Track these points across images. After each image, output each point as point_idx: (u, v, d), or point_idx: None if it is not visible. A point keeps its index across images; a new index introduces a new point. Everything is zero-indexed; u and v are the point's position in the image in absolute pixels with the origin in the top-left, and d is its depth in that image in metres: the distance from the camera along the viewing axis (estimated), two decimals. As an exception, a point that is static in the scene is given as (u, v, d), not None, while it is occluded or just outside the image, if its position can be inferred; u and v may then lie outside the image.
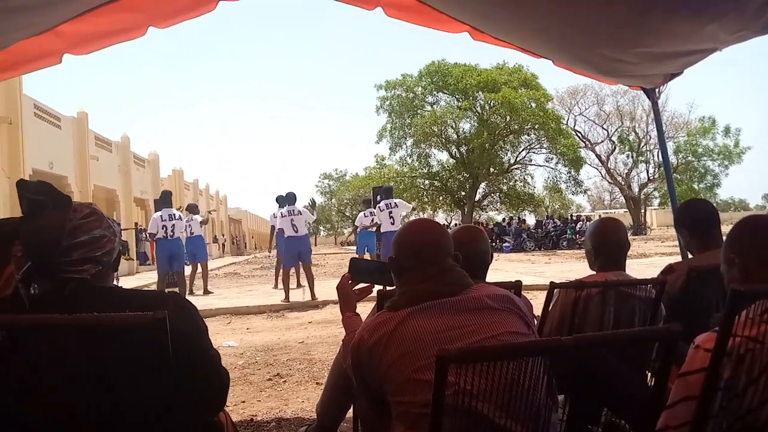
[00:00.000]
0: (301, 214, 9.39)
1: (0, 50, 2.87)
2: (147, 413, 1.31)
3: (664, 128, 4.79)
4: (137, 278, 15.98)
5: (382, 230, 10.30)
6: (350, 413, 2.57)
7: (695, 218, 2.53)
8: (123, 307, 1.30)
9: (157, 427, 1.32)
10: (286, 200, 9.59)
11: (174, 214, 9.38)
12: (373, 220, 11.09)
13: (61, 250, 1.35)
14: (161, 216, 9.29)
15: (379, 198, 10.74)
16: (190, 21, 3.20)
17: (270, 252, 11.43)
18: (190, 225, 10.44)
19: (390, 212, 10.17)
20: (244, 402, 3.88)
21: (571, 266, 14.47)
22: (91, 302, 1.32)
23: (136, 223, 20.78)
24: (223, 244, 38.21)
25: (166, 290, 2.86)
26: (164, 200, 9.61)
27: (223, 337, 6.35)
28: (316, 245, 58.20)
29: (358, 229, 12.09)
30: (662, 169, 39.42)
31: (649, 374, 2.20)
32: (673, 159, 38.26)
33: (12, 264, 1.33)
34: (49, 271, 1.35)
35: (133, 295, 1.44)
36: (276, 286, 10.87)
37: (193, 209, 10.84)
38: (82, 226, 1.40)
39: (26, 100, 13.81)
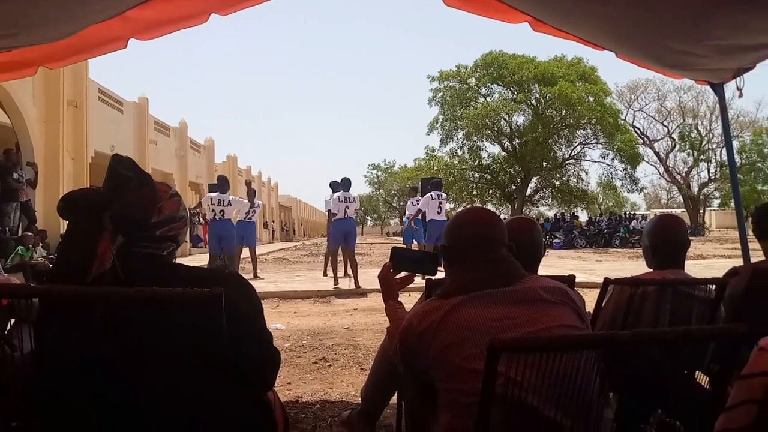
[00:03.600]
0: (355, 201, 9.67)
1: (73, 35, 2.99)
2: (201, 386, 1.35)
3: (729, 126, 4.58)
4: (189, 260, 16.44)
5: (428, 218, 10.37)
6: (394, 399, 2.59)
7: None
8: (190, 282, 1.35)
9: (210, 399, 1.35)
10: (342, 186, 9.75)
11: (223, 200, 9.78)
12: (418, 210, 11.06)
13: (150, 227, 1.42)
14: (211, 198, 9.85)
15: (430, 188, 10.77)
16: (248, 9, 3.26)
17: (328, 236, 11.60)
18: (254, 210, 10.83)
19: (440, 203, 10.30)
20: (290, 383, 3.95)
21: (624, 265, 14.09)
22: (159, 275, 1.41)
23: (189, 207, 21.37)
24: (273, 230, 38.92)
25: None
26: (219, 184, 10.09)
27: (271, 319, 6.48)
28: (362, 234, 58.61)
29: (405, 220, 12.09)
30: (725, 168, 37.98)
31: (702, 375, 2.13)
32: (736, 158, 36.52)
33: (105, 239, 1.38)
34: (133, 246, 1.42)
35: (197, 272, 1.50)
36: (325, 274, 11.02)
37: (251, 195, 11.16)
38: (169, 205, 1.47)
39: (91, 85, 14.37)
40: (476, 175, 38.19)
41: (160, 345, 1.33)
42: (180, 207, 1.51)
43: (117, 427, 1.35)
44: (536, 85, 34.58)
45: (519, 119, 36.50)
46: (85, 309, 1.35)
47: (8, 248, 9.71)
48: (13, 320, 1.95)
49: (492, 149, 38.38)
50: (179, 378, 1.34)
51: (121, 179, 1.44)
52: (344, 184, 9.71)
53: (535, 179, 38.17)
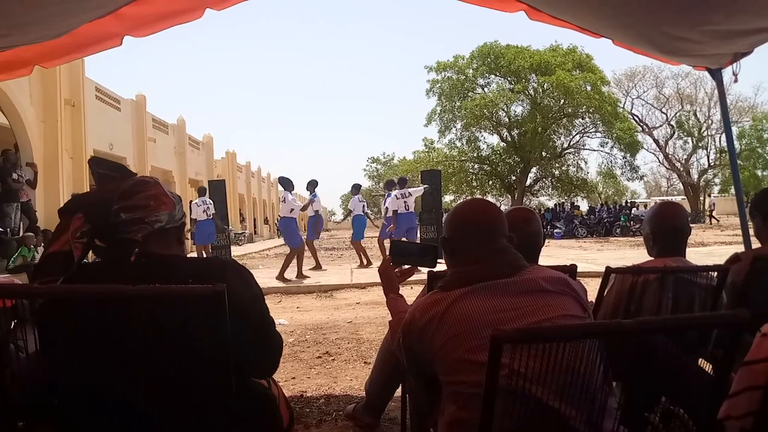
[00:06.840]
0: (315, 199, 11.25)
1: (67, 33, 2.97)
2: (205, 382, 1.35)
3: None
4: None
5: (398, 214, 11.05)
6: (399, 392, 2.59)
7: None
8: (184, 273, 1.37)
9: (215, 394, 1.36)
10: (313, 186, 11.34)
11: (285, 197, 10.67)
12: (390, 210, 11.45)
13: (113, 212, 1.44)
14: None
15: (397, 186, 11.43)
16: (245, 2, 3.25)
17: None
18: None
19: (405, 200, 11.03)
20: (294, 378, 3.96)
21: (625, 253, 14.08)
22: (154, 269, 1.41)
23: (191, 201, 21.31)
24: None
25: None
26: (283, 184, 10.80)
27: (274, 315, 6.36)
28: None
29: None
30: (724, 155, 37.82)
31: (705, 363, 2.13)
32: (736, 144, 36.29)
33: (72, 228, 1.45)
34: (105, 233, 1.45)
35: (192, 263, 1.53)
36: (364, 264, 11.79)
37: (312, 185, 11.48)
38: (132, 190, 1.49)
39: (88, 83, 14.28)
40: (475, 166, 38.09)
41: (164, 341, 1.33)
42: (150, 191, 1.51)
43: (121, 425, 1.35)
44: (533, 74, 34.50)
45: (517, 109, 36.43)
46: (87, 307, 1.36)
47: (10, 249, 9.71)
48: (15, 321, 1.95)
49: (491, 140, 38.34)
50: (183, 374, 1.34)
51: (103, 179, 1.52)
52: (312, 185, 11.19)
53: (534, 169, 38.11)
